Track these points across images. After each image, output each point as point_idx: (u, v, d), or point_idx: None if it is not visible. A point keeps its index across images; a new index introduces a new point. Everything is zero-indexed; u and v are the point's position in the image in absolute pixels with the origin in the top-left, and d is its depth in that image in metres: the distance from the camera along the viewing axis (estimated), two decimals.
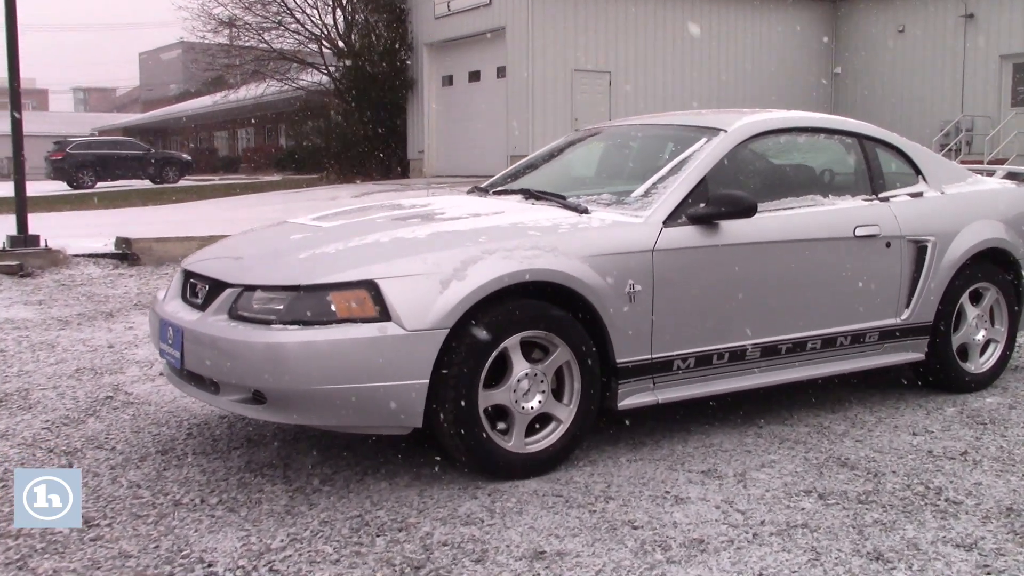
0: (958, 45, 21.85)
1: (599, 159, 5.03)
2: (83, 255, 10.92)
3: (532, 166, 5.14)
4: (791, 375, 4.40)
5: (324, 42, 26.90)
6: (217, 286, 3.71)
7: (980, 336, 5.01)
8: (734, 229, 4.14)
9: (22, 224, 10.49)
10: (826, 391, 4.97)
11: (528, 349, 3.73)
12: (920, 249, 4.72)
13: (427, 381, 3.45)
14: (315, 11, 26.55)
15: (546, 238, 3.76)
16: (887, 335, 4.66)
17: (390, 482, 3.68)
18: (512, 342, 3.62)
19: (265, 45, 27.70)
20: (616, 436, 4.20)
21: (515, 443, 3.68)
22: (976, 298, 5.01)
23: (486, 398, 3.60)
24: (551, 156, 5.20)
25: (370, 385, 3.39)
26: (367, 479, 3.71)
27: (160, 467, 3.87)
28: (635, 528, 3.23)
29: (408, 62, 24.97)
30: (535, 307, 3.68)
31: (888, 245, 4.60)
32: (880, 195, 4.74)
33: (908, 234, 4.67)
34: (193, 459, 3.97)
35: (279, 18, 26.78)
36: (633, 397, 3.96)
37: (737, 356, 4.19)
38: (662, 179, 4.21)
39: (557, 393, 3.80)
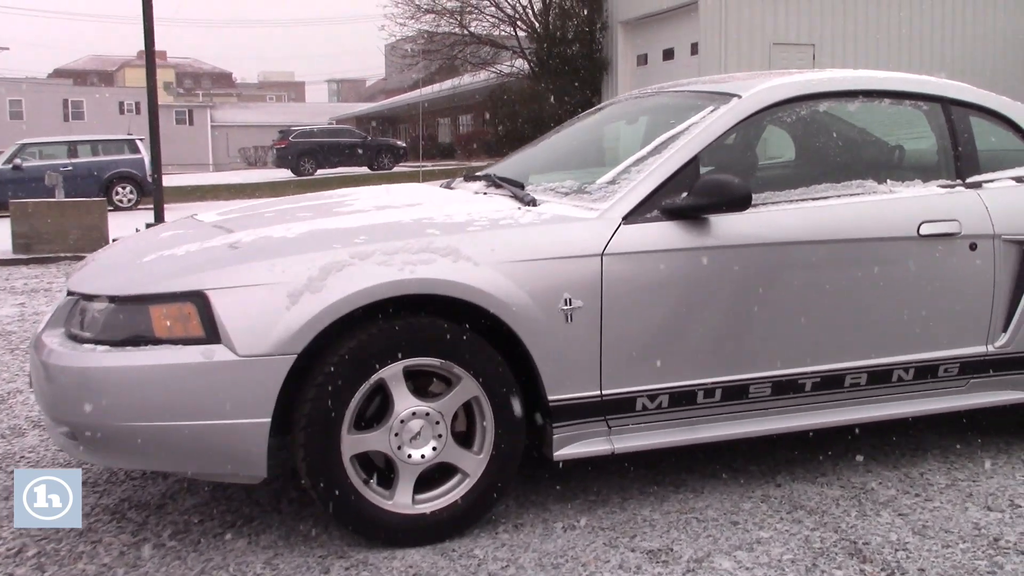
0: None
1: (601, 136, 4.08)
2: None
3: (533, 147, 4.26)
4: (819, 419, 3.31)
5: (520, 23, 26.40)
6: (69, 294, 3.13)
7: None
8: (732, 226, 3.12)
9: (159, 212, 10.64)
10: (901, 432, 3.81)
11: (426, 381, 2.91)
12: None
13: (268, 420, 2.71)
14: None
15: (447, 238, 2.91)
16: (972, 368, 3.46)
17: (250, 541, 2.97)
18: (391, 372, 2.81)
19: (461, 30, 27.55)
20: (572, 492, 3.29)
21: (398, 500, 2.87)
22: None
23: (354, 443, 2.82)
24: (560, 134, 4.29)
25: (194, 424, 2.69)
26: (227, 534, 3.02)
27: None
28: None
29: (603, 42, 24.01)
30: (425, 327, 2.85)
31: (973, 247, 3.40)
32: (967, 180, 3.52)
33: (1006, 232, 3.44)
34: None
35: (476, 0, 26.53)
36: (576, 445, 3.03)
37: (736, 393, 3.17)
38: (640, 161, 3.25)
39: (466, 438, 2.96)
